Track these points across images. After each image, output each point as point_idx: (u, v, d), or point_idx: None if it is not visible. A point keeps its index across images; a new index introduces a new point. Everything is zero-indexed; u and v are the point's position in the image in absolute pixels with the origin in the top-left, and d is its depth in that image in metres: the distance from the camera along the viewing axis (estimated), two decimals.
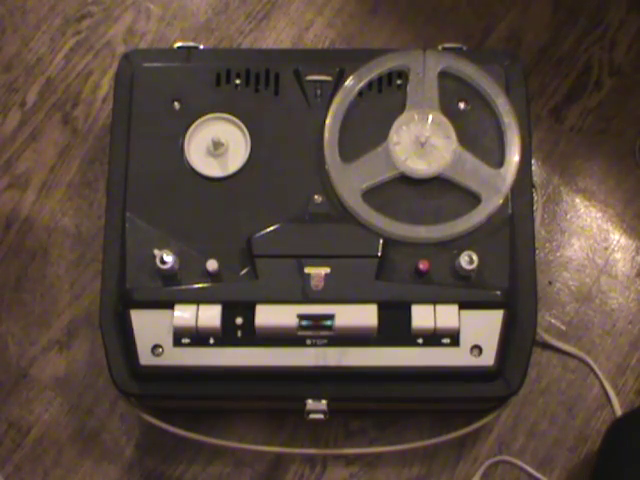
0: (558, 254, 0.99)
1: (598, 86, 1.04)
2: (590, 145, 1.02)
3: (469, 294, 0.80)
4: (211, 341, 0.80)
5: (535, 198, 0.88)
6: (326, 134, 0.84)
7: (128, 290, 0.81)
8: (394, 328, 0.79)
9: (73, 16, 1.07)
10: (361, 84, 0.86)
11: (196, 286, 0.80)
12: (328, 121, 0.85)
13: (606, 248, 0.99)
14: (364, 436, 0.92)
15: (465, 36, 1.05)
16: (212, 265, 0.80)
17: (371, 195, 0.83)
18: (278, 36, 1.07)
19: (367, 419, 0.92)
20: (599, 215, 1.00)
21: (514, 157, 0.84)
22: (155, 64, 0.88)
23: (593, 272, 0.98)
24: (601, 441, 0.87)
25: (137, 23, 1.07)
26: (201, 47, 0.93)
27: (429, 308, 0.79)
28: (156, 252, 0.80)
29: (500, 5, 1.07)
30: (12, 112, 1.04)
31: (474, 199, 0.83)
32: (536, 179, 0.98)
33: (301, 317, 0.79)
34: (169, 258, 0.80)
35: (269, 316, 0.79)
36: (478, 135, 0.85)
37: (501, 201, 0.83)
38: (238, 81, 0.87)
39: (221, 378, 0.81)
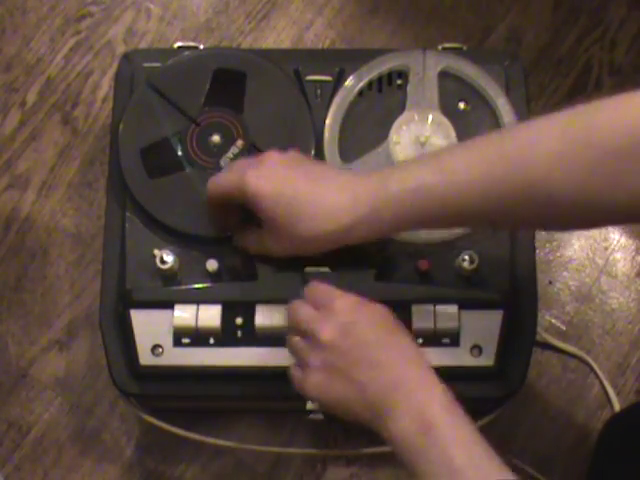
0: (558, 254, 0.99)
1: (598, 86, 1.04)
2: None
3: (469, 294, 0.80)
4: (211, 341, 0.80)
5: None
6: (326, 134, 0.84)
7: (128, 290, 0.81)
8: None
9: (73, 16, 1.08)
10: (361, 84, 0.86)
11: (196, 286, 0.80)
12: (328, 121, 0.85)
13: (606, 248, 0.99)
14: (364, 436, 0.92)
15: (465, 36, 1.05)
16: (212, 265, 0.80)
17: None
18: (278, 36, 1.07)
19: None
20: None
21: None
22: (155, 64, 0.88)
23: (593, 272, 0.98)
24: (598, 436, 0.87)
25: (137, 23, 1.07)
26: (201, 47, 0.93)
27: (429, 308, 0.79)
28: (156, 252, 0.80)
29: (500, 5, 1.07)
30: (12, 112, 1.04)
31: None
32: None
33: None
34: (169, 258, 0.80)
35: (269, 316, 0.79)
36: (478, 135, 0.85)
37: None
38: None
39: (221, 378, 0.81)
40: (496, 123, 0.85)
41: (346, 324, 0.67)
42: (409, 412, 0.63)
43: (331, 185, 0.71)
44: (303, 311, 0.70)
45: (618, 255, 0.99)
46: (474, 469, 0.62)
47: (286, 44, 1.06)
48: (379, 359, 0.66)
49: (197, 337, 0.79)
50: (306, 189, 0.71)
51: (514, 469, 0.91)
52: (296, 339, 0.70)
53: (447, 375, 0.80)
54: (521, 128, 0.67)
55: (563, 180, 0.61)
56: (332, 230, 0.70)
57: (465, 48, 0.91)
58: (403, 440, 0.63)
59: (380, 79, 0.86)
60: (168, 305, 0.80)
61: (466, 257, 0.79)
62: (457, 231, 0.82)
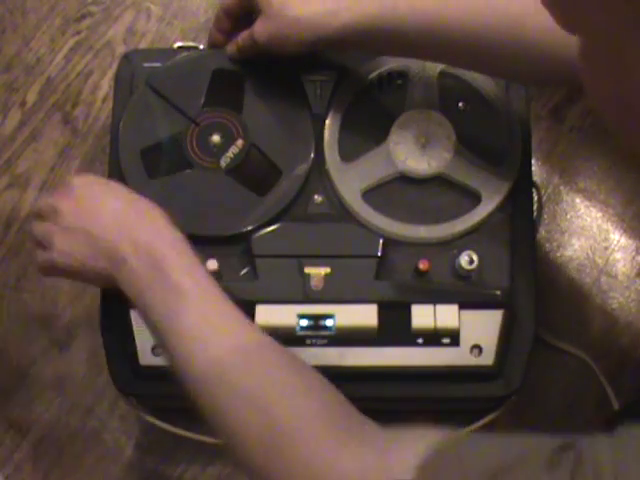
0: (558, 254, 0.98)
1: None
2: (590, 145, 1.02)
3: (469, 294, 0.80)
4: None
5: (535, 198, 0.88)
6: (326, 134, 0.84)
7: None
8: (394, 328, 0.79)
9: (73, 16, 1.08)
10: (361, 84, 0.86)
11: None
12: (328, 121, 0.85)
13: (606, 248, 0.99)
14: None
15: None
16: (212, 265, 0.80)
17: (371, 195, 0.83)
18: None
19: None
20: (599, 215, 1.00)
21: (514, 157, 0.84)
22: (155, 64, 0.88)
23: (593, 272, 0.98)
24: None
25: (137, 23, 1.07)
26: (201, 47, 0.93)
27: (429, 308, 0.79)
28: None
29: None
30: (12, 112, 1.04)
31: (474, 199, 0.83)
32: (536, 179, 0.98)
33: (301, 317, 0.79)
34: None
35: (269, 316, 0.79)
36: (478, 135, 0.85)
37: (501, 201, 0.83)
38: None
39: None
40: (496, 123, 0.85)
41: (82, 189, 0.72)
42: (138, 253, 0.68)
43: None
44: (43, 199, 0.75)
45: (618, 255, 0.99)
46: (201, 291, 0.66)
47: None
48: (112, 209, 0.71)
49: None
50: None
51: None
52: (37, 223, 0.74)
53: (447, 375, 0.80)
54: None
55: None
56: (316, 12, 0.76)
57: None
58: (133, 280, 0.68)
59: (380, 79, 0.86)
60: None
61: (466, 257, 0.79)
62: (457, 230, 0.82)
